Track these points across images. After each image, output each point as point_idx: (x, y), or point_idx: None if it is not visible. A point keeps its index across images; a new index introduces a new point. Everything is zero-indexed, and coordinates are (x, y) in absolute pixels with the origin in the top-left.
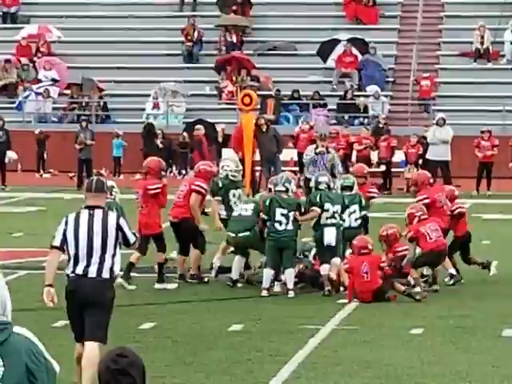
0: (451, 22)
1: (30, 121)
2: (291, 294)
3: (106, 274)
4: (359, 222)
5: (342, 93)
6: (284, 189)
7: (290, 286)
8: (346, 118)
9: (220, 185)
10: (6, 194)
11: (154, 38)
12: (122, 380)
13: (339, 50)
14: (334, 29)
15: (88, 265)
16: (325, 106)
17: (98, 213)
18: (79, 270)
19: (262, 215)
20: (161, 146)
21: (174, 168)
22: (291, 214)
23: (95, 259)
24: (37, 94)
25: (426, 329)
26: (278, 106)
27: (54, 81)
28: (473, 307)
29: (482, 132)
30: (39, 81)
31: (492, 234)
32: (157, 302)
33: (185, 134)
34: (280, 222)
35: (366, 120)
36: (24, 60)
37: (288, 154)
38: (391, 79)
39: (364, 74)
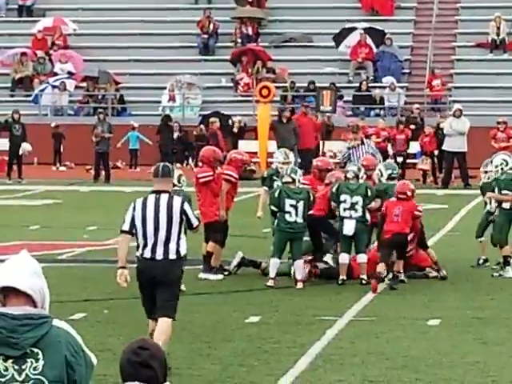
0: (467, 12)
1: (46, 114)
2: (300, 285)
3: (172, 256)
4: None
5: (357, 84)
6: (290, 180)
7: (299, 277)
8: (362, 109)
9: (265, 175)
10: (22, 187)
11: (170, 31)
12: (143, 372)
13: (354, 38)
14: (349, 20)
15: (155, 247)
16: (341, 97)
17: (164, 197)
18: (148, 252)
19: (272, 207)
20: (176, 138)
21: (190, 160)
22: (300, 204)
23: (161, 242)
24: (53, 87)
25: (443, 320)
26: (334, 97)
27: (70, 74)
28: (490, 298)
29: (498, 123)
30: (55, 74)
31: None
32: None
33: (201, 126)
34: (290, 213)
35: (381, 111)
36: (40, 53)
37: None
38: (407, 70)
39: (380, 65)
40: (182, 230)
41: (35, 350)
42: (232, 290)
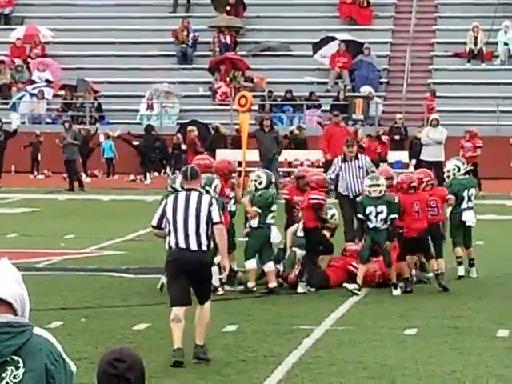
0: (445, 22)
1: (23, 122)
2: (250, 283)
3: (204, 247)
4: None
5: (335, 94)
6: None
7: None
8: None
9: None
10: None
11: (148, 39)
12: None
13: (332, 48)
14: (328, 29)
15: (187, 239)
16: (319, 106)
17: (194, 193)
18: (181, 243)
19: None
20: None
21: (167, 169)
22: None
23: (192, 234)
24: (31, 95)
25: (421, 329)
26: (366, 105)
27: (48, 82)
28: (467, 308)
29: (466, 132)
30: (33, 82)
31: (486, 235)
32: (151, 303)
33: (179, 134)
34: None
35: (359, 121)
36: (18, 61)
37: (283, 156)
38: (385, 80)
39: (358, 74)
40: (210, 223)
41: (15, 357)
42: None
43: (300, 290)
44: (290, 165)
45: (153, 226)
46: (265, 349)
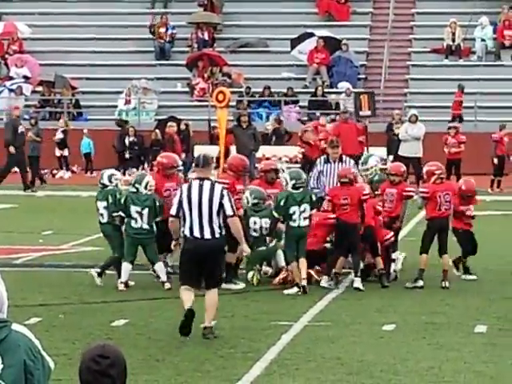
0: (422, 18)
1: (1, 118)
2: (167, 285)
3: (217, 235)
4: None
5: (313, 90)
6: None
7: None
8: (318, 114)
9: None
10: None
11: (126, 35)
12: (102, 381)
13: (310, 44)
14: (306, 26)
15: (202, 228)
16: (296, 102)
17: (207, 183)
18: (196, 232)
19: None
20: (130, 143)
21: (145, 165)
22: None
23: (206, 223)
24: (10, 90)
25: (399, 325)
26: (372, 101)
27: (26, 78)
28: (445, 303)
29: (449, 128)
30: (11, 78)
31: None
32: (129, 299)
33: (157, 131)
34: (136, 220)
35: (337, 117)
36: None
37: (261, 152)
38: (363, 76)
39: (336, 70)
40: (221, 213)
41: None
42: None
43: (323, 284)
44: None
45: (171, 215)
46: (243, 345)
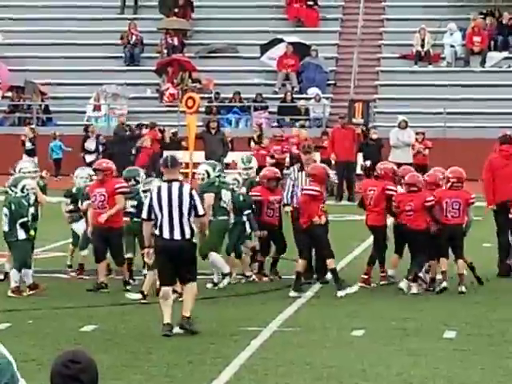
0: (392, 24)
1: None
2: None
3: (187, 235)
4: None
5: (283, 96)
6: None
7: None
8: (287, 120)
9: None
10: None
11: (96, 41)
12: None
13: (280, 50)
14: (275, 31)
15: (172, 230)
16: (266, 108)
17: (175, 184)
18: (166, 233)
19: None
20: (93, 148)
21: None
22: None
23: (176, 225)
24: None
25: (368, 330)
26: (366, 109)
27: None
28: (414, 309)
29: (417, 134)
30: None
31: None
32: (98, 304)
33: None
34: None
35: (307, 122)
36: None
37: (231, 157)
38: (332, 81)
39: (305, 76)
40: (192, 213)
41: None
42: (157, 300)
43: (413, 290)
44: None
45: (143, 219)
46: (212, 350)
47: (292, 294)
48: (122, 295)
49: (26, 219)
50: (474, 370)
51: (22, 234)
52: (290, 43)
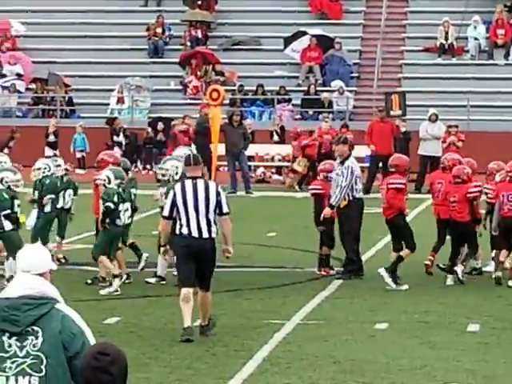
0: (415, 17)
1: None
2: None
3: (213, 234)
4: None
5: (306, 88)
6: None
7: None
8: (311, 113)
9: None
10: None
11: (120, 33)
12: (102, 378)
13: (303, 42)
14: (298, 24)
15: (199, 227)
16: (289, 101)
17: (201, 182)
18: (193, 232)
19: None
20: (121, 140)
21: (138, 163)
22: None
23: (203, 222)
24: (3, 88)
25: (391, 324)
26: (403, 100)
27: (19, 75)
28: (437, 302)
29: (450, 127)
30: (3, 75)
31: None
32: (122, 297)
33: (149, 129)
34: None
35: (330, 115)
36: None
37: (253, 150)
38: (356, 74)
39: (328, 68)
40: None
41: (36, 328)
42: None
43: (449, 282)
44: (261, 159)
45: (164, 217)
46: (235, 343)
47: (390, 286)
48: (144, 287)
49: (9, 211)
50: (497, 363)
51: (8, 225)
52: (313, 36)
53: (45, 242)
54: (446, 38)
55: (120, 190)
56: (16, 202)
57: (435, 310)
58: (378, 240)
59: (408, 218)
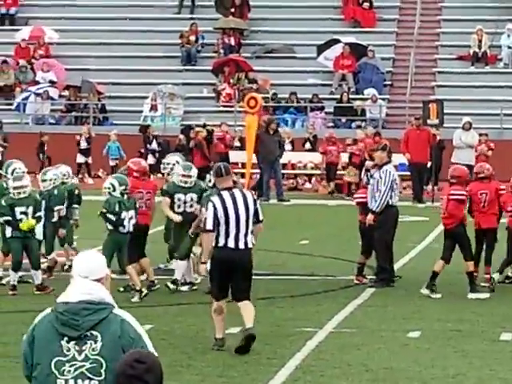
0: (449, 25)
1: (27, 122)
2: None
3: (250, 245)
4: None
5: (339, 96)
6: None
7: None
8: (343, 121)
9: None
10: None
11: (153, 40)
12: None
13: (337, 50)
14: (332, 32)
15: (238, 239)
16: (322, 109)
17: (237, 192)
18: (231, 242)
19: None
20: (154, 148)
21: None
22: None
23: (242, 232)
24: (36, 95)
25: (424, 332)
26: (440, 109)
27: (52, 82)
28: (470, 311)
29: (480, 135)
30: (37, 82)
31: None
32: (154, 304)
33: (181, 136)
34: (21, 220)
35: (363, 123)
36: (22, 62)
37: (286, 158)
38: (389, 82)
39: (361, 76)
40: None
41: (94, 332)
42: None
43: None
44: (293, 167)
45: (209, 231)
46: (268, 351)
47: (470, 295)
48: (176, 295)
49: (9, 218)
50: None
51: (8, 232)
52: (346, 44)
53: (50, 252)
54: (480, 47)
55: (124, 197)
56: (17, 209)
57: (468, 319)
58: (411, 248)
59: (440, 227)
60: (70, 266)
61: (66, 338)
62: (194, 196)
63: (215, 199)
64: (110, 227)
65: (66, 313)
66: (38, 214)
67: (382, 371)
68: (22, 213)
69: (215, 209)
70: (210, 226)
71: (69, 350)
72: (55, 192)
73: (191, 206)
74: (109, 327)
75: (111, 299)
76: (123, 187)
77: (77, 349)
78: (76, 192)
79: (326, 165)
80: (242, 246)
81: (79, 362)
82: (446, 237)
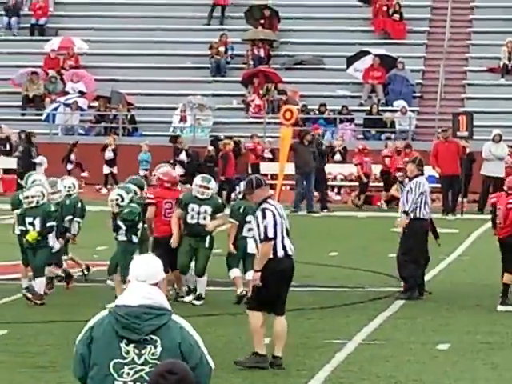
0: (479, 37)
1: (56, 133)
2: None
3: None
4: None
5: (368, 108)
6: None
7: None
8: (373, 133)
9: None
10: None
11: (182, 51)
12: None
13: (366, 62)
14: (361, 43)
15: (288, 246)
16: (351, 120)
17: (276, 202)
18: (289, 250)
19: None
20: (183, 159)
21: None
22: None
23: (288, 240)
24: (66, 105)
25: (453, 344)
26: (470, 122)
27: (81, 93)
28: (500, 323)
29: (510, 147)
30: (66, 93)
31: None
32: (183, 315)
33: (210, 147)
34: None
35: (392, 135)
36: (52, 72)
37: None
38: (418, 94)
39: (391, 88)
40: None
41: (154, 337)
42: (240, 311)
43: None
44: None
45: (271, 239)
46: (297, 362)
47: (500, 308)
48: (205, 306)
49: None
50: None
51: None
52: (376, 55)
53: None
54: (510, 59)
55: (140, 208)
56: (26, 219)
57: (498, 331)
58: (441, 260)
59: (471, 239)
60: (63, 278)
61: (125, 341)
62: (209, 209)
63: (271, 207)
64: (123, 238)
65: (128, 316)
66: (48, 224)
67: (410, 383)
68: (29, 223)
69: (275, 216)
70: (271, 233)
71: (128, 352)
72: (67, 202)
73: (204, 218)
74: (169, 333)
75: (168, 305)
76: (131, 195)
77: (136, 352)
78: (79, 205)
79: (360, 176)
80: (293, 254)
81: (139, 366)
82: (502, 247)
